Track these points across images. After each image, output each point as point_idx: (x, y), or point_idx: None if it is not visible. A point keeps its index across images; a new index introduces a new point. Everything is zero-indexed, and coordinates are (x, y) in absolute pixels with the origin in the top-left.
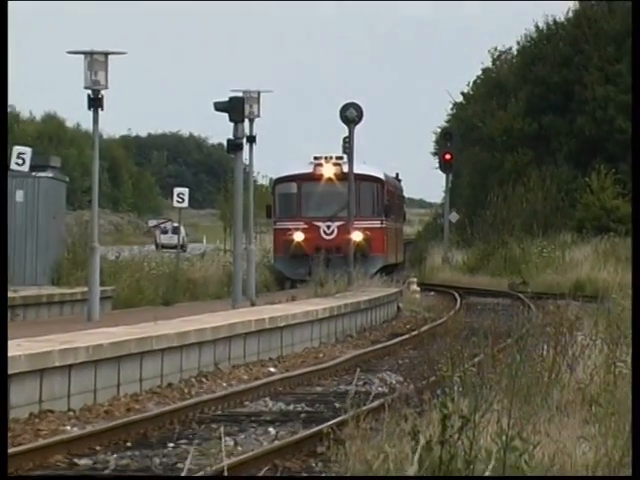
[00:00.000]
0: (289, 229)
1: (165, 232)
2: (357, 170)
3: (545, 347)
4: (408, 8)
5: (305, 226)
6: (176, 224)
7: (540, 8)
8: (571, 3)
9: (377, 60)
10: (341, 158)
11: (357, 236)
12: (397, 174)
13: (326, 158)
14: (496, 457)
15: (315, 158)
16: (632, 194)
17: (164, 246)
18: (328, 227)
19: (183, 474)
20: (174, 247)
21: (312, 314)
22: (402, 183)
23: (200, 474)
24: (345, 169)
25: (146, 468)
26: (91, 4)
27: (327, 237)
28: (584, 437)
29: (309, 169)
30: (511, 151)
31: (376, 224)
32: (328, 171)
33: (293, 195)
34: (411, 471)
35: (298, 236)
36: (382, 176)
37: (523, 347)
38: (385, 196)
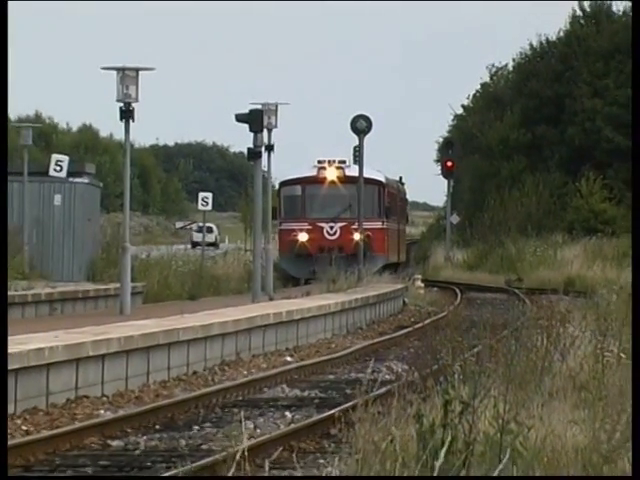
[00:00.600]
0: (294, 230)
1: (199, 231)
2: (358, 173)
3: (539, 338)
4: (415, 28)
5: (309, 227)
6: (204, 224)
7: (533, 28)
8: (562, 24)
9: (386, 75)
10: (343, 162)
11: (358, 236)
12: (400, 177)
13: (329, 162)
14: (493, 439)
15: (319, 162)
16: (632, 193)
17: (198, 244)
18: (331, 228)
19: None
20: (208, 244)
21: (325, 308)
22: (406, 187)
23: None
24: (347, 172)
25: (173, 449)
26: (122, 23)
27: (330, 237)
28: (574, 421)
29: (313, 172)
30: (507, 159)
31: (377, 225)
32: (331, 174)
33: (298, 197)
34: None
35: (302, 236)
36: (383, 179)
37: (518, 338)
38: (386, 198)
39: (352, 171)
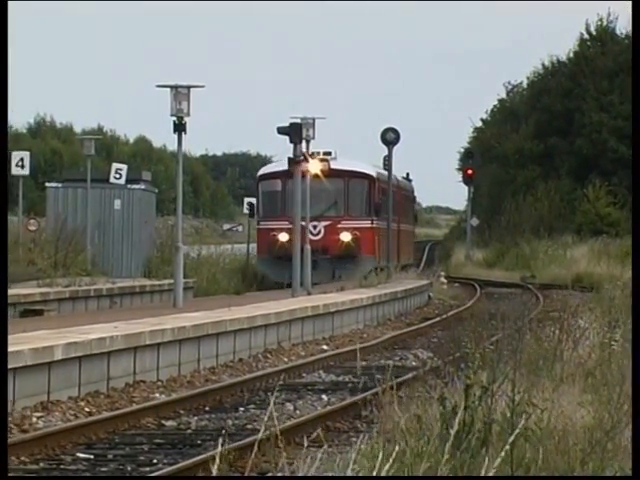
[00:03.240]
0: (273, 229)
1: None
2: (345, 166)
3: (552, 329)
4: (439, 45)
5: (290, 226)
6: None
7: (546, 49)
8: (571, 45)
9: (413, 92)
10: (329, 153)
11: (345, 237)
12: (407, 174)
13: (312, 154)
14: (509, 420)
15: None
16: (632, 195)
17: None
18: (314, 227)
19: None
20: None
21: (358, 302)
22: (417, 185)
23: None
24: (332, 165)
25: (221, 428)
26: (173, 43)
27: (313, 237)
28: (582, 404)
29: None
30: (522, 167)
31: (366, 224)
32: (315, 167)
33: (277, 193)
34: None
35: (282, 236)
36: (373, 173)
37: (530, 329)
38: (377, 194)
39: (338, 164)
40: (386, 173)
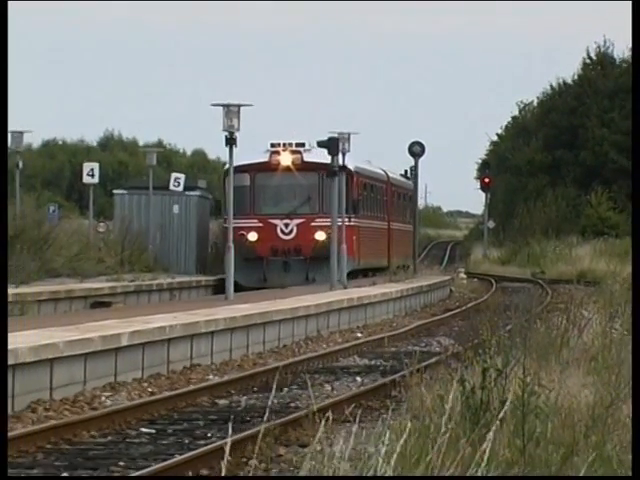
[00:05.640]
0: (241, 228)
1: None
2: (319, 159)
3: (559, 319)
4: (460, 66)
5: (259, 224)
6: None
7: (553, 72)
8: (576, 69)
9: (437, 107)
10: (302, 145)
11: (320, 236)
12: (406, 171)
13: (284, 145)
14: (519, 399)
15: (272, 145)
16: (632, 196)
17: None
18: (286, 225)
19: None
20: None
21: (388, 295)
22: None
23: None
24: (305, 158)
25: (265, 406)
26: (223, 65)
27: (285, 237)
28: (586, 385)
29: (264, 158)
30: (533, 176)
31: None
32: (286, 160)
33: (246, 188)
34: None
35: (251, 236)
36: (351, 166)
37: (540, 318)
38: (356, 189)
39: (312, 156)
40: (370, 168)
